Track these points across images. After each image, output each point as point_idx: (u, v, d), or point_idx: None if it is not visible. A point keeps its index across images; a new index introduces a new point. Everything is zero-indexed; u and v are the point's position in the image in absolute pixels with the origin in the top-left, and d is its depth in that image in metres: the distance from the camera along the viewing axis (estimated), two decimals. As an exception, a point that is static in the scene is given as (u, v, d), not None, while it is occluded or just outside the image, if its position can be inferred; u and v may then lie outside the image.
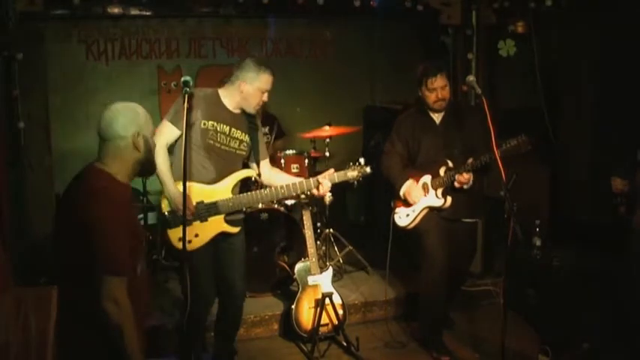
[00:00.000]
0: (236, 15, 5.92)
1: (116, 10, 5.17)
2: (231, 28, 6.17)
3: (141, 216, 5.50)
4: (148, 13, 5.51)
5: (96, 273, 2.28)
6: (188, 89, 3.26)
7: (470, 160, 4.00)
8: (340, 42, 6.45)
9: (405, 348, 4.41)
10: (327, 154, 5.32)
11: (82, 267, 2.32)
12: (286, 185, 3.75)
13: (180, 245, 3.48)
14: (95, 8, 5.10)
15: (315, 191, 3.80)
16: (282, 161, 5.16)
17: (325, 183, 3.76)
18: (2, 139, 4.48)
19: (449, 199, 4.15)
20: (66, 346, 2.45)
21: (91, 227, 2.29)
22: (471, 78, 3.81)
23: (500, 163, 3.43)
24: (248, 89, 3.55)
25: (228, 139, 3.62)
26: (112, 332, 2.29)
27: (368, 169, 3.89)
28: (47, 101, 5.55)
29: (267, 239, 4.92)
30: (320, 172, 5.31)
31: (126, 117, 2.45)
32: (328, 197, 5.21)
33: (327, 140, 5.29)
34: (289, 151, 5.29)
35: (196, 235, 3.52)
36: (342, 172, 3.87)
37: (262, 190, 3.73)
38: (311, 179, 3.79)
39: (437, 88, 4.06)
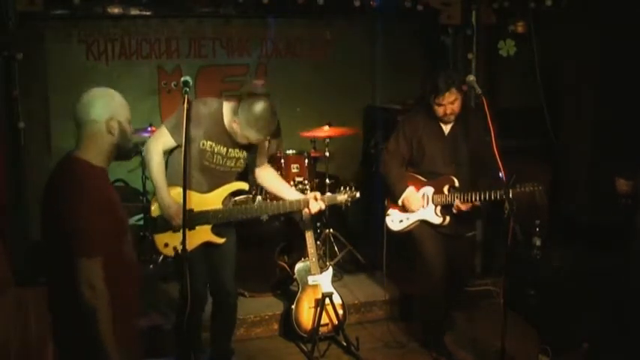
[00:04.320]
0: (236, 15, 5.91)
1: (116, 10, 5.16)
2: (231, 28, 6.15)
3: (141, 216, 5.50)
4: (148, 13, 5.51)
5: (70, 256, 2.31)
6: (188, 89, 3.25)
7: (475, 194, 3.93)
8: (340, 42, 6.44)
9: (404, 348, 4.41)
10: (327, 154, 5.32)
11: (60, 255, 2.34)
12: (276, 204, 3.82)
13: (165, 251, 3.60)
14: (95, 8, 5.09)
15: (306, 210, 3.87)
16: (282, 161, 5.17)
17: (313, 205, 3.80)
18: (2, 139, 4.48)
19: (448, 218, 4.09)
20: (65, 344, 2.46)
21: (62, 210, 2.33)
22: (471, 78, 3.80)
23: (499, 163, 3.42)
24: (237, 129, 3.48)
25: (225, 159, 3.60)
26: (85, 315, 2.30)
27: (357, 194, 3.95)
28: (47, 101, 5.55)
29: (267, 239, 4.92)
30: (320, 173, 5.37)
31: (99, 102, 2.47)
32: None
33: (327, 140, 5.29)
34: (289, 151, 5.29)
35: (181, 243, 3.50)
36: (332, 196, 3.94)
37: (253, 205, 3.79)
38: (301, 200, 3.83)
39: (446, 104, 3.96)
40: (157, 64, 6.02)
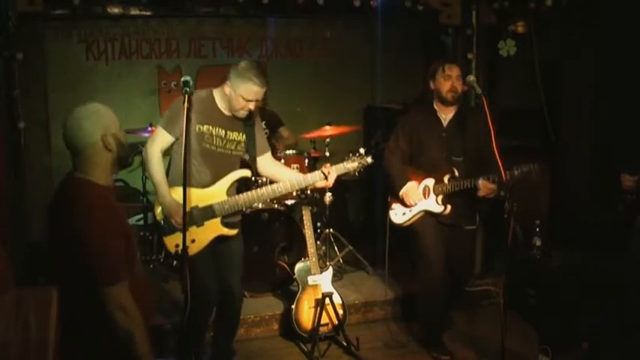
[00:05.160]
0: (236, 15, 5.92)
1: (116, 10, 5.16)
2: (231, 28, 6.16)
3: (141, 216, 5.50)
4: (148, 13, 5.50)
5: (97, 285, 2.26)
6: (188, 89, 3.25)
7: (474, 180, 3.97)
8: (340, 42, 6.45)
9: (405, 348, 4.41)
10: (327, 154, 5.32)
11: (79, 276, 2.30)
12: (282, 183, 3.66)
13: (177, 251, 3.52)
14: (95, 8, 5.09)
15: (320, 183, 3.69)
16: (282, 161, 5.16)
17: (332, 173, 3.65)
18: (2, 139, 4.48)
19: (449, 207, 4.13)
20: (67, 348, 2.45)
21: (82, 240, 2.27)
22: (471, 78, 3.81)
23: (500, 163, 3.43)
24: (231, 93, 3.48)
25: (225, 141, 3.59)
26: (121, 338, 2.27)
27: (369, 159, 3.75)
28: (47, 101, 5.56)
29: (267, 239, 4.92)
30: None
31: (88, 123, 2.38)
32: (328, 197, 5.21)
33: (327, 140, 5.29)
34: (289, 151, 5.29)
35: (193, 241, 3.47)
36: (340, 165, 3.74)
37: (258, 190, 3.63)
38: (317, 172, 3.69)
39: (453, 76, 4.05)
40: (156, 64, 6.03)
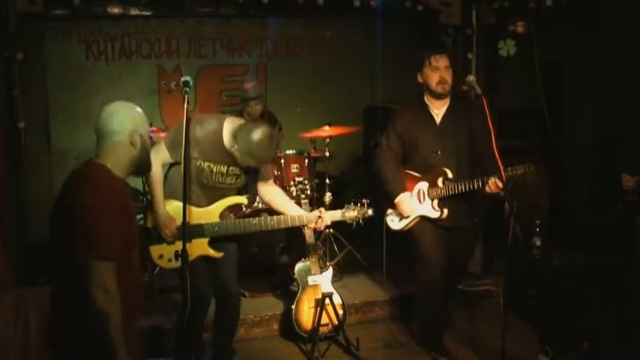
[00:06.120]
0: (236, 15, 5.92)
1: (116, 10, 5.17)
2: (231, 28, 6.17)
3: (140, 216, 5.49)
4: (148, 13, 5.51)
5: (84, 258, 2.28)
6: (188, 89, 3.25)
7: (470, 183, 3.90)
8: (340, 42, 6.45)
9: (404, 348, 4.41)
10: (327, 154, 5.32)
11: (73, 256, 2.32)
12: (277, 218, 3.69)
13: (160, 262, 3.60)
14: (95, 8, 5.10)
15: (312, 225, 3.75)
16: (282, 161, 5.17)
17: (325, 217, 3.71)
18: (2, 139, 4.48)
19: (445, 211, 4.04)
20: (65, 345, 2.45)
21: (81, 211, 2.31)
22: (471, 78, 3.78)
23: (500, 163, 3.42)
24: (237, 155, 3.45)
25: (224, 177, 3.57)
26: (97, 320, 2.27)
27: (369, 212, 3.77)
28: (47, 101, 5.56)
29: (267, 239, 4.91)
30: (320, 173, 5.37)
31: (123, 114, 2.51)
32: (328, 197, 5.21)
33: (327, 140, 5.29)
34: (289, 151, 5.29)
35: (176, 256, 3.41)
36: (337, 212, 3.78)
37: (252, 220, 3.66)
38: (312, 214, 3.74)
39: (440, 67, 3.95)
40: (156, 64, 6.03)
